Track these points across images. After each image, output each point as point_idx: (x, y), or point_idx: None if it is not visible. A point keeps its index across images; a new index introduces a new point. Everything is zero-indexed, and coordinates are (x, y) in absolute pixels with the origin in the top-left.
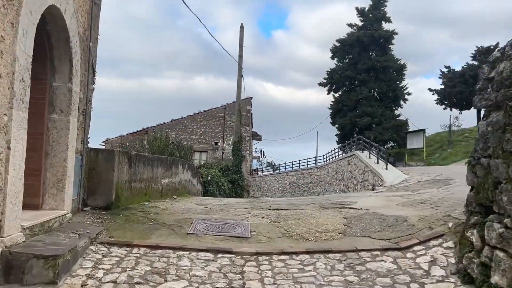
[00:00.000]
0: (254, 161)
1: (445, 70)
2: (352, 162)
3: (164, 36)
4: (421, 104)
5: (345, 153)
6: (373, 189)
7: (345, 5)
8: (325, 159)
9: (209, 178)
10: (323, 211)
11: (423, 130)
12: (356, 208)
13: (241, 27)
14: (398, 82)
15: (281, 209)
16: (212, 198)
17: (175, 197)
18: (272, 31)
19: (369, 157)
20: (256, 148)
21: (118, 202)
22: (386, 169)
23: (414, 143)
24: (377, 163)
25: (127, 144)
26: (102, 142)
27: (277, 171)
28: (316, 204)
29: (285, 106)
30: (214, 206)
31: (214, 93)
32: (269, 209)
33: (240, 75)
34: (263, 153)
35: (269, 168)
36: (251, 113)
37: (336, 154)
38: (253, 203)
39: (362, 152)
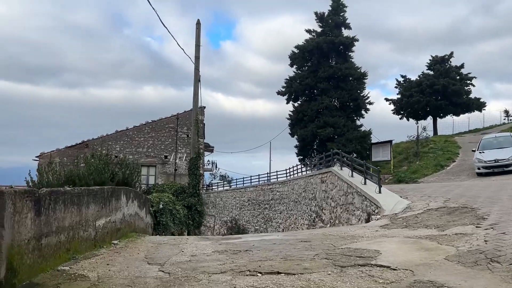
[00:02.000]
0: (207, 174)
1: (401, 79)
2: (328, 181)
3: (108, 44)
4: (375, 114)
5: (317, 169)
6: (368, 219)
7: (291, 17)
8: (288, 174)
9: (160, 206)
10: (346, 277)
11: (390, 142)
12: (390, 268)
13: (198, 23)
14: (359, 91)
15: (279, 273)
16: (167, 239)
17: (115, 242)
18: (220, 41)
19: (352, 175)
20: (208, 161)
21: (13, 278)
22: (380, 192)
23: (380, 155)
24: (365, 183)
25: (65, 159)
26: (36, 156)
27: (233, 186)
28: (323, 257)
29: (235, 116)
30: (173, 265)
31: (163, 103)
32: (260, 273)
33: (197, 80)
34: (216, 165)
35: (224, 182)
36: (204, 123)
37: (300, 169)
38: (230, 256)
39: (341, 169)
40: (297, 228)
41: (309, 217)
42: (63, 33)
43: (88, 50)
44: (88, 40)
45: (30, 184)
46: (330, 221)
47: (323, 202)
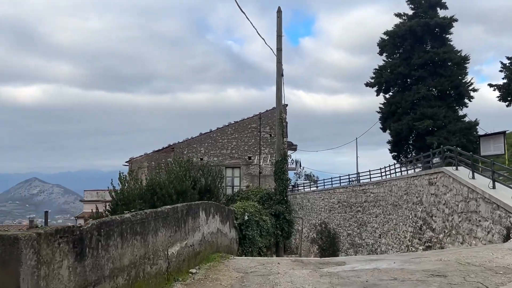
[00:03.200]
0: (291, 173)
1: (506, 62)
2: (439, 183)
3: (193, 50)
4: (474, 103)
5: (422, 168)
6: (508, 235)
7: (373, 8)
8: (383, 174)
9: (246, 218)
10: None
11: (503, 133)
12: None
13: (279, 11)
14: (460, 78)
15: None
16: (254, 265)
17: (193, 271)
18: (299, 38)
19: (473, 177)
20: (292, 159)
21: None
22: None
23: (491, 148)
24: (493, 187)
25: (153, 163)
26: (126, 162)
27: (320, 187)
28: None
29: (317, 112)
30: None
31: (246, 104)
32: None
33: (280, 74)
34: (300, 164)
35: (310, 182)
36: (286, 122)
37: (398, 168)
38: None
39: (456, 168)
40: (398, 235)
41: (413, 223)
42: (151, 43)
43: (174, 58)
44: (174, 48)
45: (113, 194)
46: (444, 231)
47: (432, 208)
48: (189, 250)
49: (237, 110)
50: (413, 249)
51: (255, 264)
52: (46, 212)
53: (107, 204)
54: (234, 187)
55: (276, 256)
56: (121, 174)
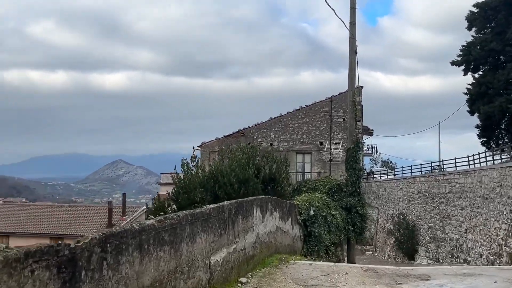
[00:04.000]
0: (366, 159)
1: None
2: None
3: (267, 34)
4: None
5: None
6: None
7: None
8: (471, 162)
9: (311, 213)
10: None
11: None
12: None
13: None
14: None
15: None
16: (316, 274)
17: (243, 280)
18: (377, 17)
19: None
20: (367, 145)
21: None
22: None
23: None
24: None
25: (223, 147)
26: (198, 146)
27: (399, 175)
28: None
29: (396, 95)
30: None
31: (320, 87)
32: None
33: (354, 51)
34: (376, 149)
35: (387, 170)
36: (362, 105)
37: (488, 156)
38: None
39: None
40: (489, 231)
41: (509, 220)
42: (228, 29)
43: (249, 42)
44: (249, 33)
45: (176, 181)
46: None
47: None
48: (239, 256)
49: (311, 94)
50: (508, 249)
51: (318, 273)
52: (124, 194)
53: (171, 191)
54: (305, 173)
55: (347, 255)
56: (184, 161)
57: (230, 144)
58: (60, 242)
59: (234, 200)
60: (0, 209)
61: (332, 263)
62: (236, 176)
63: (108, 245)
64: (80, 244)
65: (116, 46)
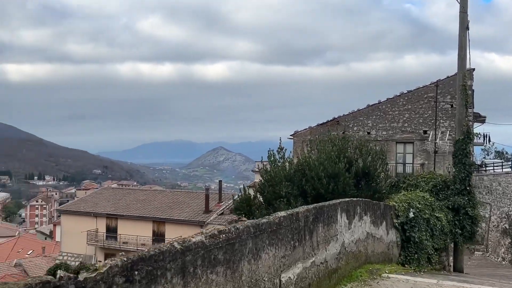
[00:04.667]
0: (477, 149)
1: None
2: None
3: (367, 18)
4: None
5: None
6: None
7: None
8: None
9: (411, 215)
10: None
11: None
12: None
13: None
14: None
15: None
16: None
17: None
18: None
19: None
20: (478, 133)
21: None
22: None
23: None
24: None
25: (317, 136)
26: (290, 135)
27: None
28: None
29: None
30: None
31: (425, 71)
32: None
33: (465, 27)
34: (489, 138)
35: (502, 162)
36: (473, 90)
37: None
38: None
39: None
40: None
41: None
42: (325, 14)
43: (348, 27)
44: (348, 17)
45: (263, 173)
46: None
47: None
48: (319, 270)
49: (415, 79)
50: None
51: None
52: (220, 182)
53: (258, 183)
54: (406, 164)
55: (454, 261)
56: (270, 152)
57: (324, 133)
58: (63, 274)
59: (311, 205)
60: (111, 193)
61: (435, 281)
62: (324, 170)
63: (136, 272)
64: (94, 275)
65: (216, 37)
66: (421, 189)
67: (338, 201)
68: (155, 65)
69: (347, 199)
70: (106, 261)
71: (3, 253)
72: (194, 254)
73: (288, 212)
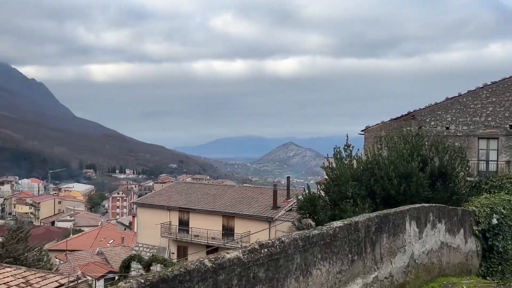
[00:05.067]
0: None
1: None
2: None
3: (446, 6)
4: None
5: None
6: None
7: None
8: None
9: (494, 221)
10: None
11: None
12: None
13: None
14: None
15: None
16: None
17: None
18: None
19: None
20: None
21: None
22: None
23: None
24: None
25: (390, 132)
26: (362, 130)
27: None
28: None
29: None
30: None
31: None
32: None
33: None
34: None
35: None
36: None
37: None
38: None
39: None
40: None
41: None
42: (401, 3)
43: (425, 16)
44: (425, 6)
45: (328, 171)
46: None
47: None
48: (382, 286)
49: (501, 69)
50: None
51: None
52: (288, 178)
53: (323, 182)
54: (490, 162)
55: None
56: (336, 149)
57: (397, 128)
58: None
59: (374, 213)
60: (183, 187)
61: None
62: (395, 170)
63: None
64: None
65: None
66: (506, 192)
67: (406, 207)
68: (227, 62)
69: (417, 205)
70: (121, 283)
71: (88, 241)
72: (228, 273)
73: (345, 222)
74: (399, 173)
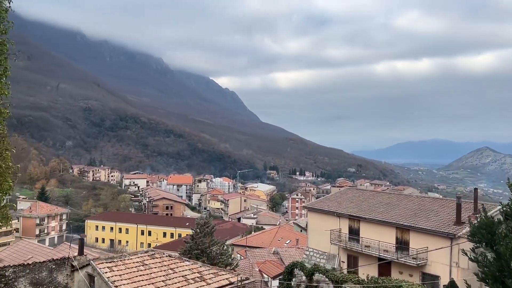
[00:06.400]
0: None
1: None
2: None
3: None
4: None
5: None
6: None
7: None
8: None
9: None
10: None
11: None
12: None
13: None
14: None
15: None
16: None
17: None
18: None
19: None
20: None
21: None
22: None
23: None
24: None
25: None
26: None
27: None
28: None
29: None
30: None
31: None
32: None
33: None
34: None
35: None
36: None
37: None
38: None
39: None
40: None
41: None
42: None
43: None
44: None
45: None
46: None
47: None
48: None
49: None
50: None
51: None
52: (475, 190)
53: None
54: None
55: None
56: None
57: None
58: None
59: None
60: (354, 194)
61: None
62: None
63: None
64: None
65: (483, 25)
66: None
67: None
68: (411, 61)
69: None
70: None
71: (267, 239)
72: None
73: None
74: None
